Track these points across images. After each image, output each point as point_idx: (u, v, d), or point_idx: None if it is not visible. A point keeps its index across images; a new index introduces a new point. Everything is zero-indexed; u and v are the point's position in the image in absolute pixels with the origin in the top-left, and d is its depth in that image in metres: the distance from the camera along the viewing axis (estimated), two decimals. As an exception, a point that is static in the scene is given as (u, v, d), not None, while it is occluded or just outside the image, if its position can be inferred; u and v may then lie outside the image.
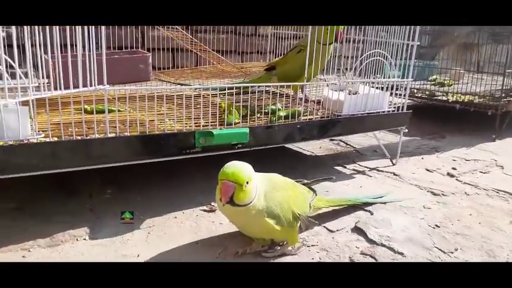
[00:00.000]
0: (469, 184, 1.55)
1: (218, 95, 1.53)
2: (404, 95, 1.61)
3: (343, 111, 1.48)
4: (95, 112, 1.07)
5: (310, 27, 1.43)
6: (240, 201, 0.90)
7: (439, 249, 1.08)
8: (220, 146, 1.23)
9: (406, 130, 1.67)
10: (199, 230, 1.11)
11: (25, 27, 0.90)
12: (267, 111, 1.41)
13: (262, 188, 0.96)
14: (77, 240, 1.02)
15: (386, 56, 1.52)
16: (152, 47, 2.37)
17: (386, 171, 1.63)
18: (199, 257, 0.98)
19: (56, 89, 0.98)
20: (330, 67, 1.71)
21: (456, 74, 2.72)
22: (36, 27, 0.92)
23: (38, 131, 1.00)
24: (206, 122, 1.27)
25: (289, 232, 1.00)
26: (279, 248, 1.02)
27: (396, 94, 1.61)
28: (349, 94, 1.52)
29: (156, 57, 2.39)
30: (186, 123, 1.23)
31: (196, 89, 1.60)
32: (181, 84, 1.78)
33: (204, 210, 1.22)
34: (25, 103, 0.96)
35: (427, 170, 1.69)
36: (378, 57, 1.51)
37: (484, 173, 1.69)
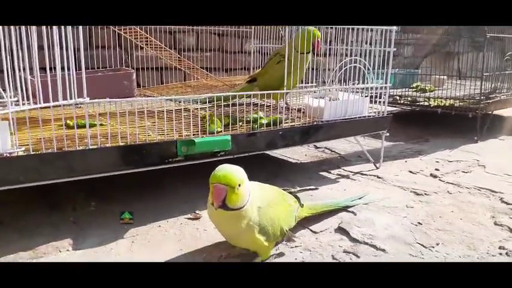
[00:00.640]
0: (451, 183, 1.58)
1: (202, 108, 1.56)
2: (384, 100, 1.65)
3: (324, 117, 1.51)
4: (75, 126, 1.09)
5: (287, 38, 1.48)
6: (233, 204, 0.88)
7: (421, 245, 1.09)
8: (202, 154, 1.25)
9: (388, 134, 1.70)
10: (184, 237, 1.11)
11: (1, 43, 0.92)
12: (249, 119, 1.44)
13: (256, 199, 0.94)
14: (60, 251, 1.02)
15: (364, 62, 1.56)
16: (138, 67, 2.41)
17: (370, 175, 1.66)
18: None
19: (35, 103, 0.99)
20: (314, 77, 1.75)
21: (438, 80, 2.78)
22: (14, 46, 0.94)
23: (19, 145, 1.01)
24: (188, 133, 1.29)
25: (269, 246, 0.98)
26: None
27: (377, 102, 1.65)
28: (330, 101, 1.55)
29: (142, 76, 2.43)
30: (168, 135, 1.25)
31: (177, 100, 1.62)
32: (166, 99, 1.81)
33: (188, 218, 1.23)
34: (5, 118, 0.98)
35: (411, 172, 1.71)
36: (357, 64, 1.55)
37: (467, 172, 1.72)
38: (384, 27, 1.59)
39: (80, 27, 1.04)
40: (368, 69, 1.58)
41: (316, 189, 1.31)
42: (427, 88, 2.65)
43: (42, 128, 1.04)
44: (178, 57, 2.17)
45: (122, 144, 1.14)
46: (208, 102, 1.49)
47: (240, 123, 1.42)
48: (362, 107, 1.60)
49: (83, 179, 1.08)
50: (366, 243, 1.10)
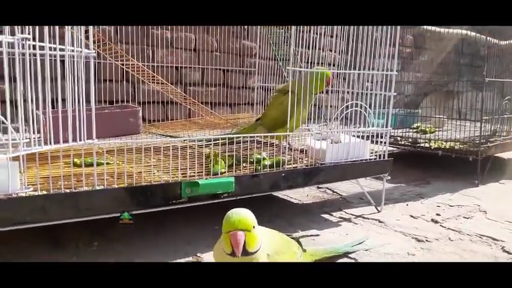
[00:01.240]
0: (452, 230, 1.58)
1: (206, 146, 1.59)
2: (385, 143, 1.67)
3: (326, 159, 1.53)
4: (83, 165, 1.11)
5: (291, 78, 1.52)
6: (253, 248, 0.86)
7: (423, 296, 1.09)
8: (206, 195, 1.26)
9: (389, 177, 1.71)
10: (185, 281, 1.11)
11: (18, 83, 0.95)
12: (252, 160, 1.46)
13: (265, 246, 0.92)
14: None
15: (365, 107, 1.60)
16: (143, 101, 2.46)
17: (371, 219, 1.66)
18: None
19: (46, 143, 1.02)
20: (317, 116, 1.79)
21: (438, 121, 2.82)
22: (28, 83, 0.97)
23: (27, 185, 1.03)
24: (193, 173, 1.31)
25: None
26: None
27: (378, 142, 1.68)
28: (331, 143, 1.58)
29: (148, 110, 2.47)
30: (173, 174, 1.27)
31: (183, 140, 1.65)
32: (170, 136, 1.84)
33: (190, 262, 1.23)
34: (16, 158, 1.00)
35: (412, 216, 1.72)
36: (357, 108, 1.59)
37: (468, 218, 1.72)
38: (385, 72, 1.63)
39: (91, 61, 1.07)
40: (369, 113, 1.62)
41: (317, 235, 1.31)
42: (427, 129, 2.68)
43: (49, 166, 1.06)
44: (184, 95, 2.23)
45: (128, 185, 1.15)
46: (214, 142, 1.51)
47: (244, 164, 1.44)
48: (363, 150, 1.62)
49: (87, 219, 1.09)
50: (368, 293, 1.09)
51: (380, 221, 1.63)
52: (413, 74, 3.38)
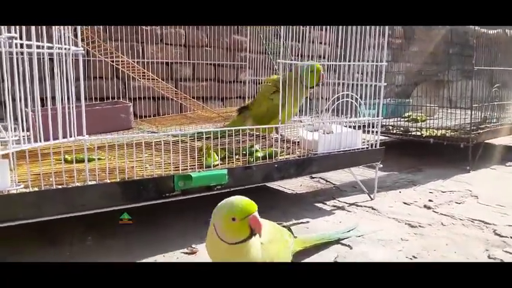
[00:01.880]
0: (445, 215, 1.60)
1: (198, 139, 1.59)
2: (377, 132, 1.69)
3: (318, 150, 1.54)
4: (74, 161, 1.11)
5: (281, 71, 1.52)
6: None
7: (416, 279, 1.10)
8: (199, 188, 1.27)
9: (381, 165, 1.73)
10: (180, 273, 1.11)
11: (5, 82, 0.95)
12: (245, 152, 1.47)
13: (263, 236, 0.93)
14: None
15: (356, 97, 1.61)
16: (135, 97, 2.45)
17: (364, 206, 1.67)
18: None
19: (36, 141, 1.01)
20: (308, 108, 1.80)
21: (429, 110, 2.84)
22: (16, 81, 0.96)
23: (18, 182, 1.03)
24: (185, 167, 1.31)
25: None
26: None
27: (370, 131, 1.69)
28: (324, 134, 1.58)
29: (139, 106, 2.46)
30: (165, 168, 1.27)
31: (173, 135, 1.65)
32: (156, 132, 1.84)
33: (185, 253, 1.23)
34: (5, 156, 0.99)
35: (405, 203, 1.73)
36: (349, 99, 1.60)
37: (460, 203, 1.74)
38: (375, 63, 1.64)
39: (80, 59, 1.06)
40: (360, 103, 1.63)
41: (307, 222, 1.32)
42: (418, 118, 2.70)
43: (40, 163, 1.06)
44: (175, 90, 2.22)
45: (120, 180, 1.15)
46: (206, 136, 1.52)
47: (236, 156, 1.44)
48: (355, 140, 1.63)
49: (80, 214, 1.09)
50: (362, 278, 1.10)
51: (373, 208, 1.65)
52: (404, 65, 3.40)
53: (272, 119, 1.61)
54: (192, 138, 1.62)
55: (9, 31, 0.93)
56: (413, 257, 1.24)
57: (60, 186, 1.07)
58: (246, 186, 1.39)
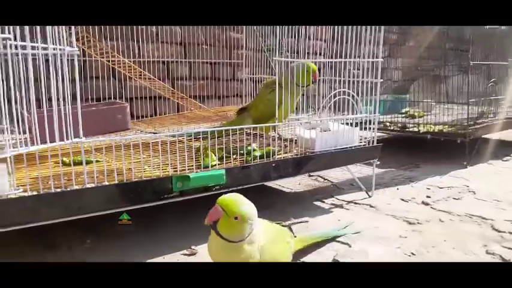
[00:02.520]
0: (443, 211, 1.60)
1: (195, 139, 1.59)
2: (374, 129, 1.69)
3: (315, 148, 1.54)
4: (72, 164, 1.11)
5: (278, 70, 1.52)
6: (222, 231, 0.88)
7: (414, 277, 1.11)
8: (197, 188, 1.27)
9: (378, 162, 1.73)
10: (180, 274, 1.12)
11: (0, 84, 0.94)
12: (242, 152, 1.47)
13: (261, 238, 0.93)
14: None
15: (352, 94, 1.61)
16: (131, 97, 2.45)
17: (363, 204, 1.68)
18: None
19: (32, 144, 1.01)
20: (304, 106, 1.80)
21: (426, 106, 2.84)
22: (12, 83, 0.96)
23: (17, 186, 1.02)
24: (183, 167, 1.31)
25: None
26: None
27: (367, 128, 1.69)
28: (321, 131, 1.58)
29: (136, 106, 2.46)
30: (163, 169, 1.27)
31: (171, 135, 1.65)
32: (155, 133, 1.84)
33: (185, 254, 1.23)
34: (3, 160, 0.99)
35: (403, 199, 1.74)
36: (345, 96, 1.60)
37: (457, 199, 1.75)
38: (371, 60, 1.64)
39: (75, 59, 1.06)
40: (356, 100, 1.63)
41: (306, 221, 1.33)
42: (416, 114, 2.71)
43: (35, 167, 1.06)
44: (172, 90, 2.22)
45: (119, 182, 1.15)
46: (203, 136, 1.51)
47: (234, 156, 1.44)
48: (352, 137, 1.64)
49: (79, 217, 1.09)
50: (361, 276, 1.11)
51: (371, 206, 1.65)
52: (400, 60, 3.39)
53: (269, 118, 1.61)
54: (190, 138, 1.62)
55: (2, 32, 0.93)
56: (412, 253, 1.25)
57: (58, 190, 1.06)
58: (244, 186, 1.39)
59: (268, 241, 0.97)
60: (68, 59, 1.06)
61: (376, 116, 1.68)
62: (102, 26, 2.28)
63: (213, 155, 1.39)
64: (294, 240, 1.14)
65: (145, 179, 1.19)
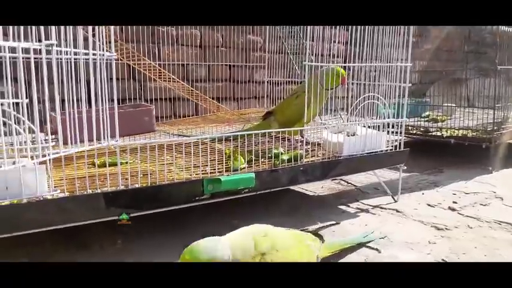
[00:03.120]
0: (470, 217, 1.58)
1: (223, 142, 1.59)
2: (401, 133, 1.67)
3: (343, 152, 1.53)
4: (107, 166, 1.12)
5: (307, 74, 1.52)
6: None
7: (449, 284, 1.09)
8: (227, 191, 1.27)
9: (405, 167, 1.72)
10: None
11: (44, 87, 0.96)
12: (270, 155, 1.47)
13: (248, 248, 0.87)
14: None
15: (380, 98, 1.60)
16: (151, 98, 2.47)
17: (389, 208, 1.67)
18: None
19: (65, 144, 1.02)
20: (328, 108, 1.80)
21: (448, 110, 2.81)
22: (46, 89, 0.97)
23: (54, 187, 1.04)
24: (213, 169, 1.32)
25: None
26: None
27: (391, 132, 1.68)
28: (348, 136, 1.58)
29: (156, 107, 2.47)
30: (193, 171, 1.28)
31: (203, 138, 1.66)
32: (188, 136, 1.85)
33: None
34: (42, 161, 1.01)
35: (429, 205, 1.72)
36: (373, 100, 1.59)
37: (485, 205, 1.73)
38: (399, 64, 1.63)
39: (113, 63, 1.07)
40: (384, 104, 1.62)
41: (337, 223, 1.32)
42: (438, 118, 2.68)
43: (68, 168, 1.07)
44: (191, 89, 2.23)
45: (151, 184, 1.16)
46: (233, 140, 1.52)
47: (262, 160, 1.44)
48: (380, 141, 1.63)
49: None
50: (394, 283, 1.10)
51: (398, 211, 1.64)
52: (419, 63, 3.36)
53: (295, 123, 1.61)
54: (215, 140, 1.63)
55: (43, 38, 0.94)
56: (443, 260, 1.23)
57: (93, 191, 1.08)
58: (272, 189, 1.40)
59: (269, 249, 0.90)
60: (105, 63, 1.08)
61: (403, 120, 1.67)
62: (124, 29, 2.30)
63: (242, 158, 1.39)
64: (320, 244, 1.11)
65: (177, 181, 1.20)
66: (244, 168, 1.36)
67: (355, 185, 2.00)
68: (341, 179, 2.07)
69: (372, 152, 1.60)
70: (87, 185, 1.07)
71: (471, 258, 1.25)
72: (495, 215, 1.60)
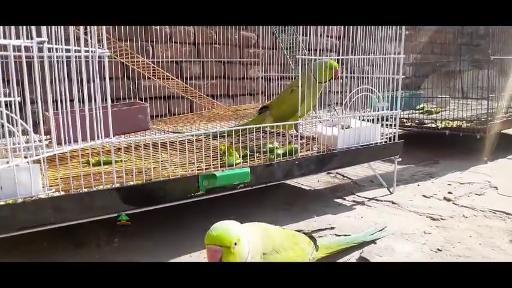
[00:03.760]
0: (466, 207, 1.59)
1: (217, 138, 1.59)
2: (395, 125, 1.68)
3: (337, 145, 1.54)
4: (102, 164, 1.12)
5: (300, 69, 1.52)
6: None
7: (444, 273, 1.10)
8: (223, 187, 1.28)
9: (400, 159, 1.73)
10: (209, 272, 1.12)
11: (37, 86, 0.95)
12: (265, 150, 1.47)
13: (259, 246, 0.88)
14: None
15: (374, 91, 1.60)
16: (145, 96, 2.47)
17: (384, 200, 1.68)
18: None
19: (64, 144, 1.02)
20: (322, 103, 1.80)
21: (442, 102, 2.82)
22: (39, 87, 0.96)
23: (49, 186, 1.04)
24: (208, 165, 1.32)
25: None
26: None
27: (386, 125, 1.69)
28: (342, 129, 1.58)
29: (150, 105, 2.47)
30: (188, 168, 1.28)
31: (197, 135, 1.66)
32: (180, 132, 1.85)
33: (212, 252, 1.24)
34: (36, 160, 1.01)
35: (424, 196, 1.73)
36: (366, 93, 1.60)
37: (480, 195, 1.74)
38: (393, 56, 1.63)
39: (106, 60, 1.07)
40: (378, 97, 1.62)
41: (332, 228, 1.33)
42: (433, 110, 2.69)
43: (63, 167, 1.07)
44: (185, 87, 2.23)
45: (147, 181, 1.16)
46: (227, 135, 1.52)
47: (257, 154, 1.45)
48: (374, 134, 1.63)
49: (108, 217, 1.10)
50: (390, 273, 1.10)
51: (393, 203, 1.65)
52: (413, 56, 3.38)
53: (290, 117, 1.61)
54: (210, 137, 1.63)
55: (33, 36, 0.94)
56: (438, 249, 1.24)
57: (87, 190, 1.08)
58: (267, 184, 1.40)
59: (271, 248, 0.92)
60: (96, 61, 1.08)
61: (397, 113, 1.67)
62: (116, 27, 2.29)
63: (237, 153, 1.39)
64: (312, 249, 1.08)
65: (172, 177, 1.20)
66: (239, 163, 1.36)
67: (350, 179, 2.01)
68: (337, 173, 2.08)
69: (367, 145, 1.60)
70: (82, 183, 1.07)
71: (466, 247, 1.26)
72: (490, 204, 1.61)
